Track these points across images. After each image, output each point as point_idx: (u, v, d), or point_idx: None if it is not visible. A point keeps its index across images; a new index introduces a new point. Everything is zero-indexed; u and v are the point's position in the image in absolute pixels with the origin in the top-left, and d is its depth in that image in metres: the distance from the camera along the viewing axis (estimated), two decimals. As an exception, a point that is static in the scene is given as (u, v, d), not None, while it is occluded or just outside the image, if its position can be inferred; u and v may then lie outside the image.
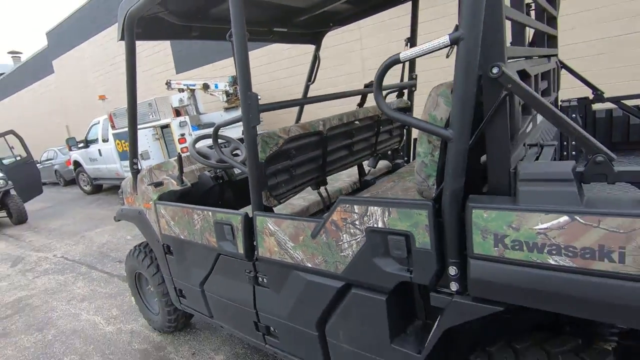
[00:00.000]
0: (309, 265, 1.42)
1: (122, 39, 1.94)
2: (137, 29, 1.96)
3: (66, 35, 14.81)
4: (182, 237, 2.03)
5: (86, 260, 4.80)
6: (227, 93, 7.70)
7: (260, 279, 1.68)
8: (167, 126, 6.97)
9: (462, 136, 0.94)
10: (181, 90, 7.92)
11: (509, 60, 1.02)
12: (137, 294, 2.86)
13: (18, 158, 8.52)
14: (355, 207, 1.20)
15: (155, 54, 11.16)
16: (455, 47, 0.91)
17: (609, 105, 2.07)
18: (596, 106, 2.13)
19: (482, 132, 0.97)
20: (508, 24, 1.27)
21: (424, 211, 1.04)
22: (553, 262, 0.85)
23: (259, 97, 1.49)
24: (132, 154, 2.30)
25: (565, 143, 1.91)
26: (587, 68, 4.62)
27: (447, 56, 0.96)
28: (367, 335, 1.32)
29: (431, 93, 1.09)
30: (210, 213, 1.79)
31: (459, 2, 0.88)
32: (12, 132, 8.16)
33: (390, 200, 1.12)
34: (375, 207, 1.15)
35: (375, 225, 1.17)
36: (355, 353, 1.38)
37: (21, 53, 24.17)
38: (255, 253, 1.63)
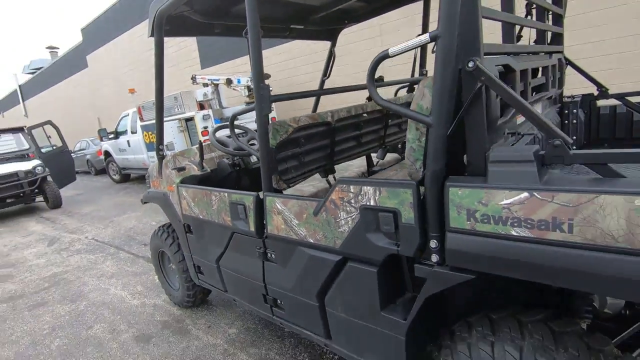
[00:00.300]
0: (311, 240, 1.57)
1: (152, 35, 2.15)
2: (166, 26, 2.16)
3: (100, 32, 15.51)
4: (201, 217, 2.23)
5: (114, 242, 5.15)
6: (248, 88, 7.93)
7: (268, 254, 1.85)
8: (191, 119, 7.28)
9: (441, 122, 1.06)
10: (205, 85, 8.21)
11: (489, 56, 1.13)
12: (159, 271, 3.11)
13: (54, 147, 9.09)
14: (351, 187, 1.35)
15: (182, 50, 11.56)
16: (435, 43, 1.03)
17: (613, 102, 2.11)
18: (601, 103, 2.17)
19: (462, 120, 1.09)
20: (497, 23, 1.38)
21: (409, 190, 1.17)
22: (515, 234, 0.96)
23: (271, 89, 1.65)
24: (158, 140, 2.52)
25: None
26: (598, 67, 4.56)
27: (433, 52, 1.08)
28: (360, 304, 1.46)
29: (419, 85, 1.21)
30: (226, 194, 1.97)
31: (439, 4, 1.00)
32: (49, 122, 8.71)
33: (381, 180, 1.26)
34: (368, 187, 1.29)
35: (367, 204, 1.30)
36: (350, 321, 1.53)
37: (58, 48, 25.39)
38: (265, 231, 1.80)
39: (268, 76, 8.26)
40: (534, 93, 1.70)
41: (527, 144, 1.22)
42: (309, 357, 2.20)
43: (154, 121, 8.44)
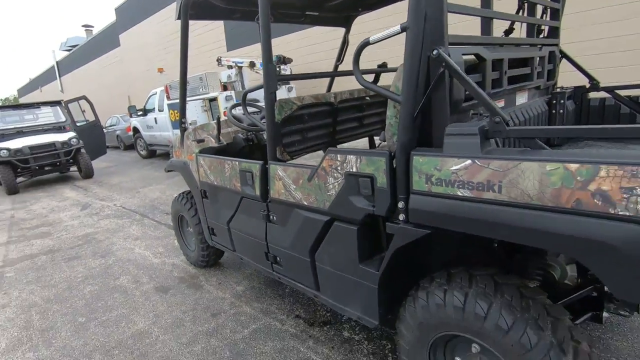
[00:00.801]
0: (305, 203, 1.81)
1: (178, 18, 2.41)
2: (191, 11, 2.41)
3: (132, 12, 16.03)
4: (216, 183, 2.51)
5: (140, 210, 5.58)
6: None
7: (271, 216, 2.11)
8: (214, 99, 7.61)
9: (409, 101, 1.26)
10: (230, 67, 8.49)
11: (455, 46, 1.32)
12: (178, 234, 3.45)
13: (88, 121, 9.67)
14: (338, 156, 1.57)
15: (209, 32, 11.88)
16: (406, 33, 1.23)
17: (604, 94, 2.21)
18: (593, 95, 2.28)
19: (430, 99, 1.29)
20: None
21: (383, 158, 1.39)
22: (460, 194, 1.17)
23: (286, 70, 1.88)
24: (181, 114, 2.81)
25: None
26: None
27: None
28: (343, 258, 1.70)
29: (398, 68, 1.41)
30: (237, 163, 2.24)
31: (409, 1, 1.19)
32: (84, 97, 9.27)
33: (362, 150, 1.48)
34: (351, 156, 1.51)
35: (350, 170, 1.53)
36: (335, 273, 1.78)
37: (93, 27, 26.32)
38: (268, 195, 2.06)
39: (290, 60, 8.49)
40: (521, 82, 1.84)
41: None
42: (304, 312, 2.47)
43: (177, 100, 8.77)
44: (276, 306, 2.58)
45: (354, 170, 1.51)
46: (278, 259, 2.17)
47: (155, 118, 10.02)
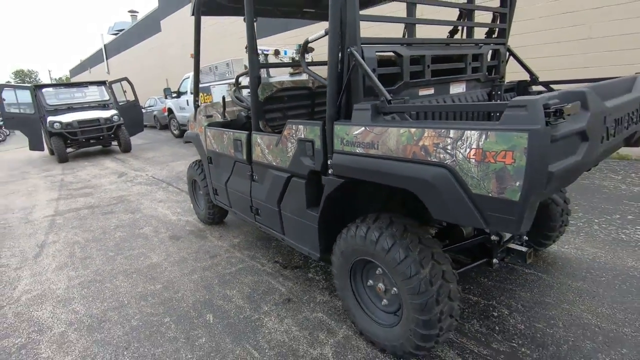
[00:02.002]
0: (274, 164, 2.34)
1: (193, 14, 2.98)
2: (203, 8, 2.97)
3: (172, -1, 16.95)
4: (217, 150, 3.10)
5: (167, 180, 6.36)
6: (293, 59, 8.67)
7: (254, 176, 2.67)
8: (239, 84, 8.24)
9: (332, 85, 1.75)
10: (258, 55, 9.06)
11: (369, 45, 1.77)
12: (192, 196, 4.11)
13: (128, 101, 10.65)
14: (294, 126, 2.08)
15: (239, 20, 12.48)
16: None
17: (541, 88, 2.56)
18: (536, 88, 2.63)
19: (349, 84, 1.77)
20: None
21: (318, 127, 1.89)
22: (358, 151, 1.66)
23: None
24: (195, 95, 3.41)
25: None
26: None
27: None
28: (297, 206, 2.23)
29: None
30: (232, 133, 2.80)
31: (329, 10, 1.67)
32: (126, 79, 10.22)
33: (306, 121, 1.98)
34: (301, 126, 2.02)
35: (300, 137, 2.04)
36: (292, 218, 2.31)
37: (138, 12, 27.83)
38: (252, 158, 2.61)
39: (311, 49, 8.93)
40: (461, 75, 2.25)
41: (398, 102, 1.84)
42: (282, 259, 3.03)
43: (208, 84, 9.57)
44: (261, 254, 3.16)
45: (302, 136, 2.02)
46: (258, 210, 2.73)
47: (187, 100, 10.85)
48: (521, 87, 2.65)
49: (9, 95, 9.58)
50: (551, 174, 1.15)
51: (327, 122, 1.83)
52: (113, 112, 9.86)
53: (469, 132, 1.24)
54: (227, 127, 3.32)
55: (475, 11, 2.45)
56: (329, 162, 1.88)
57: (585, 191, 4.11)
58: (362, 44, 1.71)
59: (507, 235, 2.18)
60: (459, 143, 1.26)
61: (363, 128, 1.62)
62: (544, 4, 6.11)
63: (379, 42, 1.89)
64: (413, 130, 1.42)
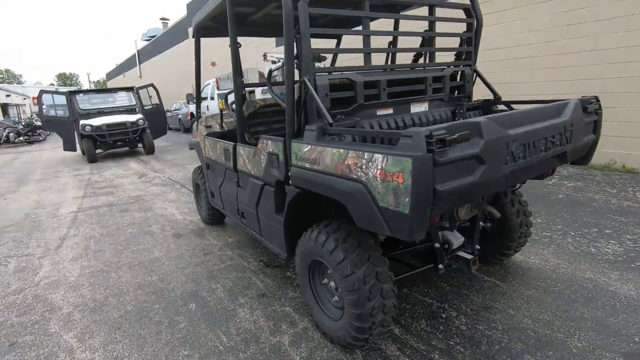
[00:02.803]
0: (252, 173, 2.65)
1: (193, 37, 3.35)
2: (202, 31, 3.34)
3: (200, 8, 17.76)
4: (213, 158, 3.44)
5: (181, 181, 6.83)
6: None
7: (239, 182, 2.98)
8: (252, 91, 8.66)
9: (290, 107, 2.03)
10: (274, 62, 9.49)
11: (322, 74, 2.04)
12: (196, 198, 4.49)
13: (154, 105, 11.34)
14: (264, 140, 2.38)
15: (261, 29, 12.96)
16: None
17: (504, 107, 2.74)
18: (501, 107, 2.80)
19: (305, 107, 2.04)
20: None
21: (280, 143, 2.17)
22: (307, 166, 1.93)
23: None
24: (197, 107, 3.79)
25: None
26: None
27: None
28: (269, 210, 2.51)
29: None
30: (222, 143, 3.13)
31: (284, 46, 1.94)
32: (152, 85, 10.91)
33: (273, 137, 2.27)
34: (269, 141, 2.31)
35: (269, 150, 2.33)
36: (265, 221, 2.60)
37: (169, 20, 29.16)
38: (237, 167, 2.93)
39: (324, 58, 9.24)
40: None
41: (347, 125, 2.09)
42: (267, 258, 3.33)
43: (226, 90, 10.00)
44: (250, 253, 3.48)
45: (270, 150, 2.32)
46: (244, 213, 3.04)
47: (207, 105, 11.44)
48: (486, 106, 2.83)
49: (47, 99, 10.46)
50: (439, 192, 1.39)
51: (286, 140, 2.11)
52: (139, 116, 10.55)
53: (376, 155, 1.49)
54: (223, 137, 3.67)
55: (448, 35, 2.67)
56: (289, 174, 2.16)
57: (574, 204, 4.17)
58: (315, 72, 1.98)
59: (456, 244, 2.37)
60: (370, 164, 1.52)
61: (310, 146, 1.89)
62: (550, 16, 6.14)
63: (331, 71, 2.15)
64: (341, 151, 1.68)
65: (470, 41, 2.76)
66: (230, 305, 2.62)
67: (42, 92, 10.05)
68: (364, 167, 1.55)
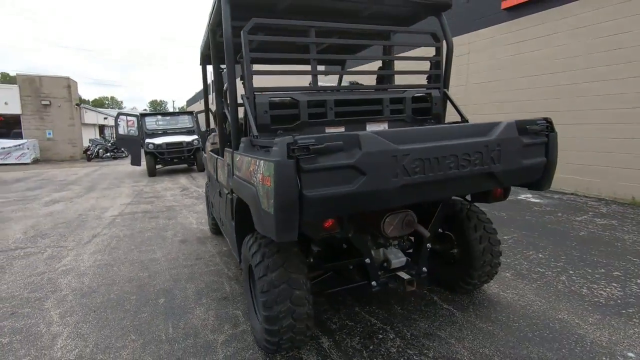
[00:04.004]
0: (222, 182, 2.90)
1: (200, 64, 3.82)
2: (205, 59, 3.79)
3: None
4: (210, 171, 3.80)
5: (213, 196, 7.41)
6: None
7: (220, 192, 3.26)
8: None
9: (234, 123, 2.26)
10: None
11: (262, 93, 2.24)
12: (207, 209, 4.89)
13: (209, 128, 12.45)
14: (226, 153, 2.63)
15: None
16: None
17: None
18: None
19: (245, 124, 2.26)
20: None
21: (229, 153, 2.40)
22: (237, 173, 2.11)
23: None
24: (206, 125, 4.23)
25: None
26: None
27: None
28: (228, 216, 2.73)
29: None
30: (212, 157, 3.47)
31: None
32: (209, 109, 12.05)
33: (228, 149, 2.51)
34: (227, 153, 2.56)
35: (227, 161, 2.57)
36: (227, 226, 2.81)
37: (241, 53, 31.98)
38: (218, 178, 3.21)
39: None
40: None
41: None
42: (246, 267, 3.51)
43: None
44: (234, 262, 3.70)
45: (227, 162, 2.56)
46: (222, 221, 3.29)
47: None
48: (454, 128, 2.78)
49: (122, 120, 12.11)
50: (307, 197, 1.48)
51: (232, 151, 2.34)
52: (194, 137, 11.68)
53: (260, 161, 1.63)
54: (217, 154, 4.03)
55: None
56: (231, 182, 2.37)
57: (592, 242, 3.74)
58: (255, 92, 2.20)
59: (396, 263, 2.33)
60: (257, 169, 1.66)
61: (239, 156, 2.09)
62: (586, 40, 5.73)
63: (272, 90, 2.36)
64: (247, 159, 1.85)
65: (439, 64, 2.78)
66: (191, 304, 2.83)
67: (119, 114, 11.69)
68: (256, 172, 1.70)
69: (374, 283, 2.26)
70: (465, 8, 8.11)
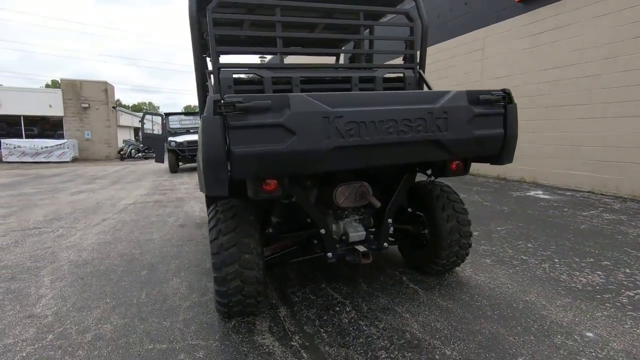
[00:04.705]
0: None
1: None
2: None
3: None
4: None
5: (223, 189, 7.64)
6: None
7: None
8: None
9: (201, 99, 2.38)
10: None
11: (227, 69, 2.35)
12: (208, 196, 5.08)
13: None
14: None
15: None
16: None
17: None
18: None
19: None
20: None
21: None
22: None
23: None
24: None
25: None
26: None
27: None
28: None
29: None
30: None
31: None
32: (228, 109, 12.46)
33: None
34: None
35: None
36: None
37: (266, 57, 32.70)
38: None
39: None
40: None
41: None
42: (232, 248, 3.63)
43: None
44: (223, 243, 3.82)
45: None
46: (207, 202, 3.42)
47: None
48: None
49: (148, 119, 12.74)
50: (234, 153, 1.56)
51: None
52: (214, 136, 12.09)
53: (199, 120, 1.73)
54: None
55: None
56: (202, 156, 2.48)
57: (590, 235, 3.55)
58: (219, 68, 2.31)
59: (355, 237, 2.34)
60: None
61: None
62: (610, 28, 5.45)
63: (236, 67, 2.45)
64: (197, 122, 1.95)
65: (412, 45, 2.78)
66: (170, 276, 2.97)
67: (145, 113, 12.33)
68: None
69: (329, 254, 2.29)
70: (482, 2, 7.94)
